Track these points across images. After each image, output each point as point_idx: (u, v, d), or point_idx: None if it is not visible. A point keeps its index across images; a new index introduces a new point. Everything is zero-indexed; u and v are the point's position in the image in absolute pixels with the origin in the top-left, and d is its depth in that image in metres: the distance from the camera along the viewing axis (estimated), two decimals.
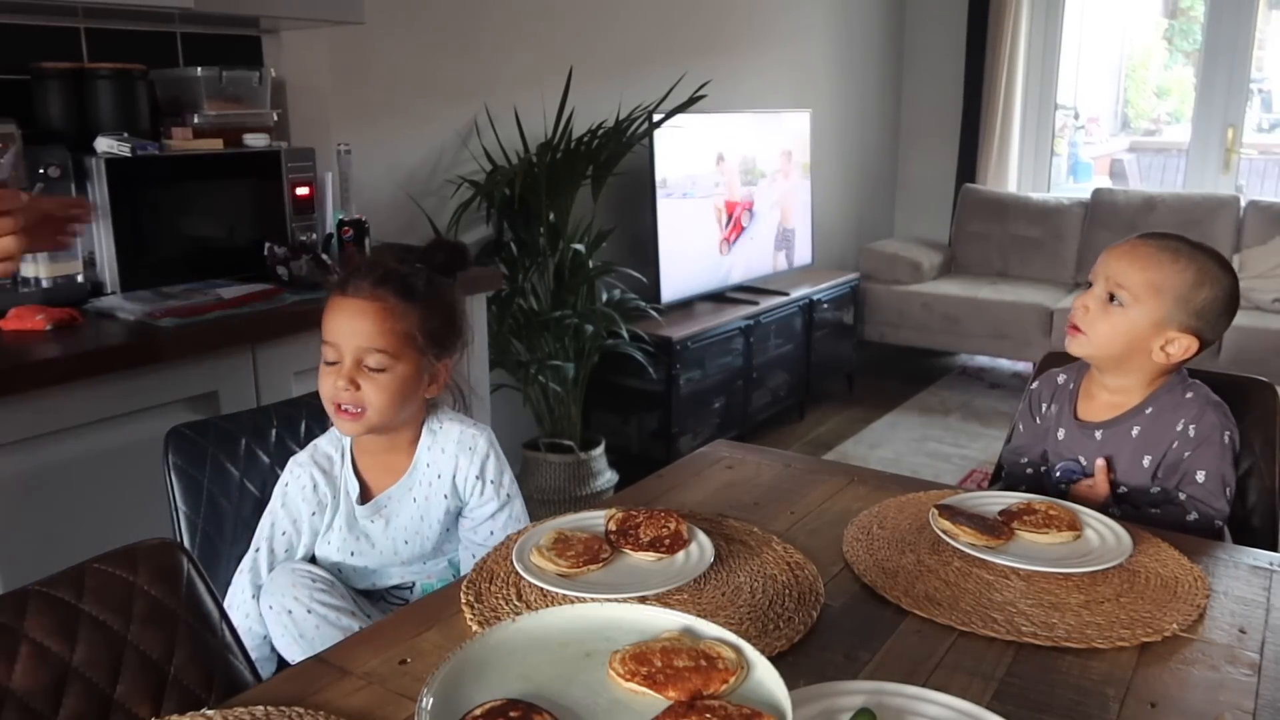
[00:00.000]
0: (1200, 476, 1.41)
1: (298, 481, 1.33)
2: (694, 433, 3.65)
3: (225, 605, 1.19)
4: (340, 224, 2.38)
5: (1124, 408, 1.47)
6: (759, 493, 1.42)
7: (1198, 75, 5.13)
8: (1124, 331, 1.41)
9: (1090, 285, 1.46)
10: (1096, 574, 1.16)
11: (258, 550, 1.33)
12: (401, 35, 2.93)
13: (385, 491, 1.36)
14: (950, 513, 1.26)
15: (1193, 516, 1.41)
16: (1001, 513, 1.29)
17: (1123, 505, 1.46)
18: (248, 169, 2.25)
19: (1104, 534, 1.24)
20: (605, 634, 0.93)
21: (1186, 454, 1.42)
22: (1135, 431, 1.45)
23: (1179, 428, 1.43)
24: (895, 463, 3.91)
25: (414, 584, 1.39)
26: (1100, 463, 1.48)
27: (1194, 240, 1.45)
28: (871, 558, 1.20)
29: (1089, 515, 1.28)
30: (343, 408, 1.28)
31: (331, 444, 1.36)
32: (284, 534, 1.32)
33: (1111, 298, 1.41)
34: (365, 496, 1.36)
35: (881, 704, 0.86)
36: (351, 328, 1.27)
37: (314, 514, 1.32)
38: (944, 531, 1.23)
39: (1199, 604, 1.10)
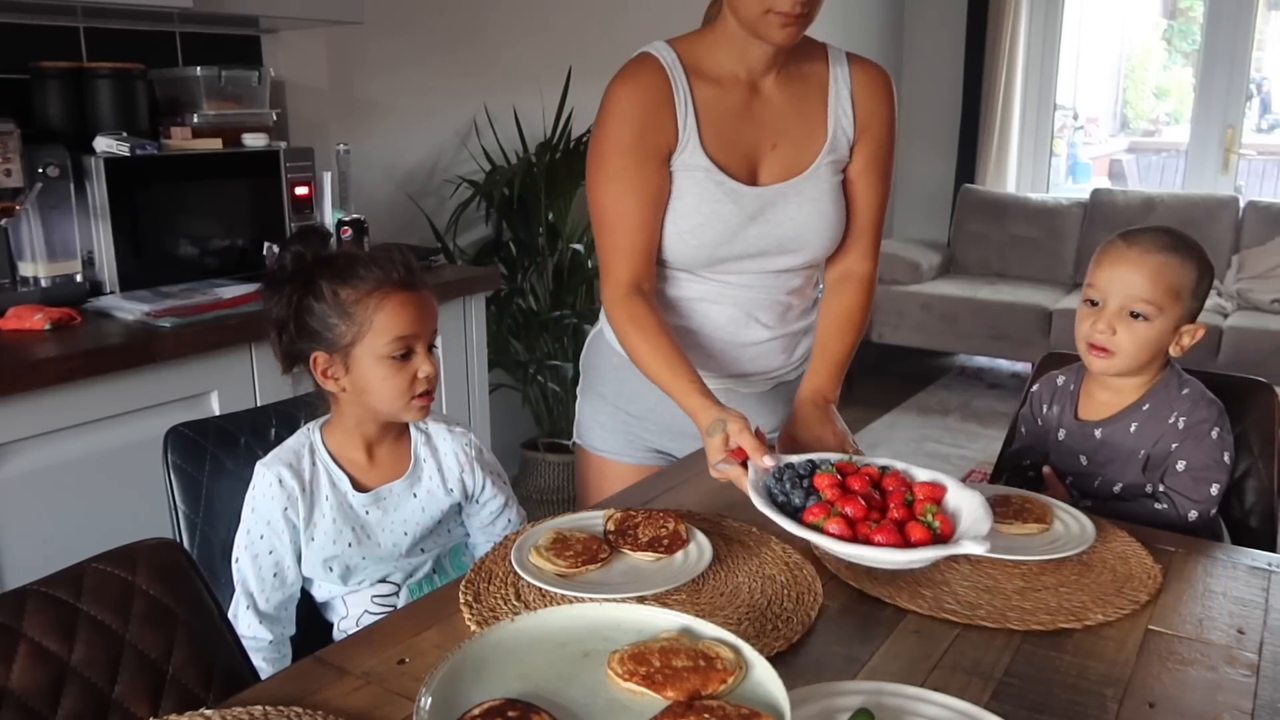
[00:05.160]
0: (1180, 466, 1.42)
1: (264, 481, 1.33)
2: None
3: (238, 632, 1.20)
4: (339, 223, 2.38)
5: (1122, 405, 1.47)
6: None
7: (1197, 76, 5.13)
8: (1153, 342, 1.42)
9: (1095, 303, 1.44)
10: (1047, 564, 1.18)
11: (238, 561, 1.33)
12: (400, 35, 2.93)
13: (387, 485, 1.38)
14: None
15: (1161, 506, 1.41)
16: None
17: (1110, 503, 1.46)
18: (247, 168, 2.25)
19: (1070, 527, 1.26)
20: (604, 634, 0.93)
21: (1173, 445, 1.42)
22: (1133, 428, 1.46)
23: (1171, 420, 1.43)
24: None
25: (400, 586, 1.39)
26: (1047, 470, 1.53)
27: (1172, 229, 1.46)
28: None
29: (1063, 510, 1.30)
30: (425, 393, 1.34)
31: (299, 441, 1.37)
32: (262, 537, 1.32)
33: (1133, 314, 1.41)
34: (359, 488, 1.36)
35: (880, 704, 0.86)
36: (426, 317, 1.33)
37: (286, 509, 1.32)
38: None
39: (1139, 599, 1.11)
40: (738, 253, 1.48)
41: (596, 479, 1.66)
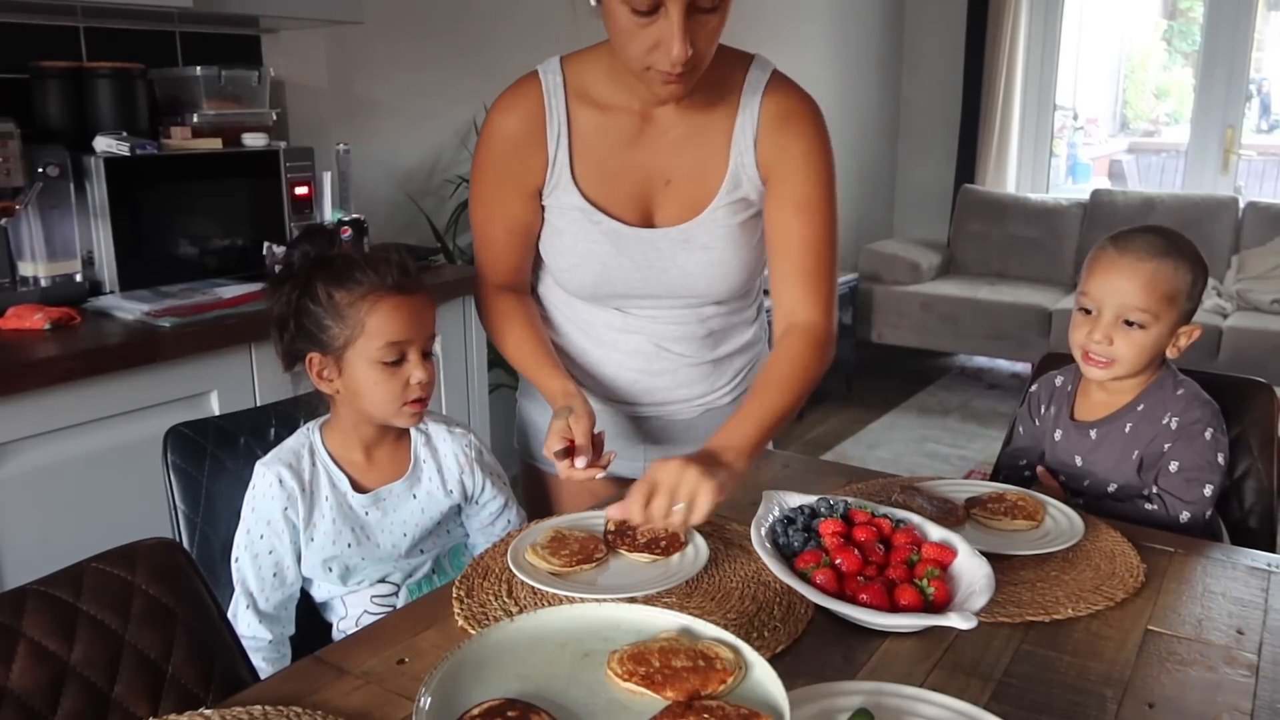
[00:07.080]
0: (1173, 467, 1.41)
1: (264, 481, 1.33)
2: None
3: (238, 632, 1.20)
4: (339, 223, 2.38)
5: (1117, 405, 1.47)
6: (757, 493, 1.42)
7: (1196, 76, 5.13)
8: (1149, 348, 1.42)
9: (1088, 311, 1.44)
10: (1029, 558, 1.19)
11: (237, 560, 1.33)
12: (400, 35, 2.93)
13: (386, 486, 1.37)
14: (912, 493, 1.31)
15: (1152, 506, 1.41)
16: (969, 499, 1.33)
17: (1104, 502, 1.47)
18: (246, 168, 2.25)
19: (1060, 523, 1.27)
20: (603, 634, 0.93)
21: (1166, 446, 1.42)
22: (1128, 428, 1.46)
23: (1164, 421, 1.43)
24: (894, 463, 3.92)
25: (400, 586, 1.39)
26: (1040, 469, 1.53)
27: (1163, 229, 1.45)
28: None
29: (1056, 508, 1.30)
30: (417, 400, 1.32)
31: (299, 441, 1.37)
32: (261, 537, 1.32)
33: (1128, 322, 1.41)
34: (358, 488, 1.36)
35: (879, 704, 0.86)
36: (421, 322, 1.32)
37: (286, 509, 1.32)
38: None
39: (1115, 598, 1.11)
40: (624, 293, 1.39)
41: (553, 495, 1.59)
